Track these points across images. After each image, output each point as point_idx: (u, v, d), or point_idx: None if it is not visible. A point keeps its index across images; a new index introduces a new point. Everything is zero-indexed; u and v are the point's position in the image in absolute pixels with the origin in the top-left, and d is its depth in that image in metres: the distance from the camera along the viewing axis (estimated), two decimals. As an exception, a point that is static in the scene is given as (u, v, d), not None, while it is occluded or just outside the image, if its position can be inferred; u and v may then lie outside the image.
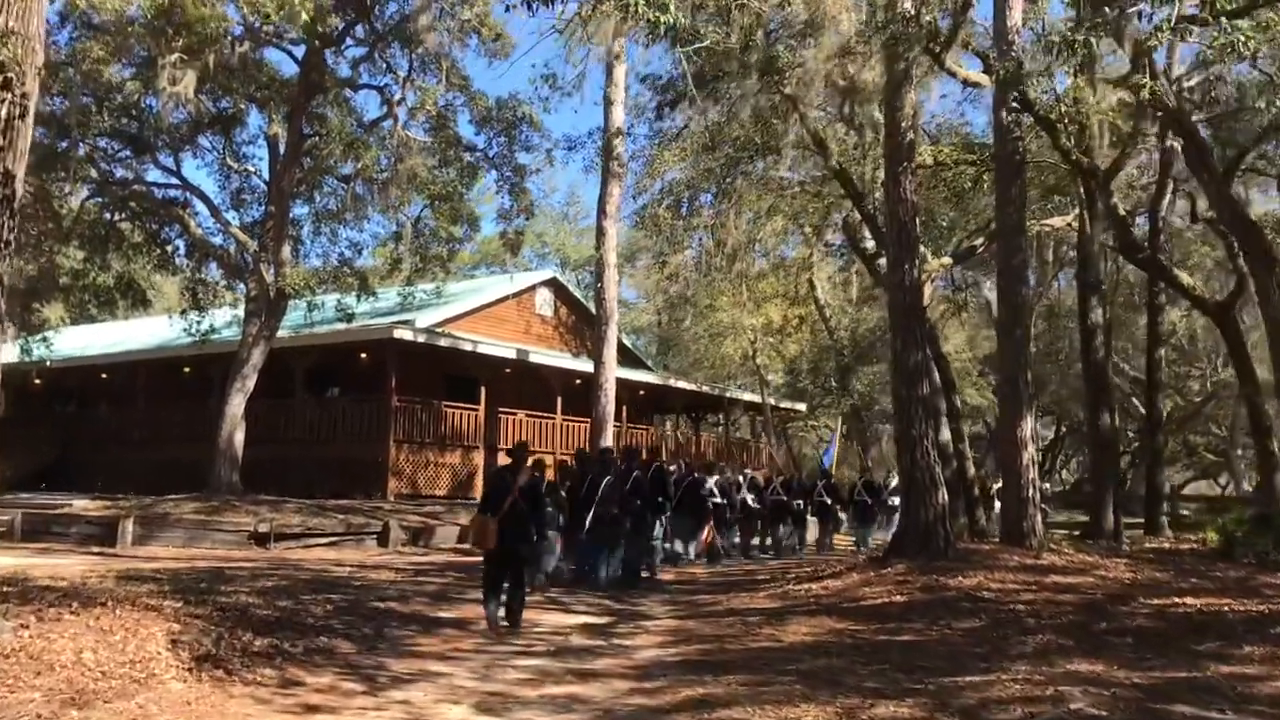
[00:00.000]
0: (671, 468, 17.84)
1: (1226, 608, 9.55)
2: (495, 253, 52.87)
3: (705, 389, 32.28)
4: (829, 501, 21.90)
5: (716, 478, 18.89)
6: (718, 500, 18.28)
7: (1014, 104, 12.92)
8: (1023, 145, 13.51)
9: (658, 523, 15.03)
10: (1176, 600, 10.08)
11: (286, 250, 21.54)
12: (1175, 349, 39.07)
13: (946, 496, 12.52)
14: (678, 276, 20.39)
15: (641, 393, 31.76)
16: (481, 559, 10.60)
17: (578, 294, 34.60)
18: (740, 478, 20.01)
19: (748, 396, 34.09)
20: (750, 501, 19.79)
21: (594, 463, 14.54)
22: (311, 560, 16.44)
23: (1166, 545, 14.85)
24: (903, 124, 12.83)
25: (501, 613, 10.13)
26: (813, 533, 23.06)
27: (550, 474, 14.00)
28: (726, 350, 30.47)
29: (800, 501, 21.22)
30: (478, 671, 8.08)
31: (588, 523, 13.30)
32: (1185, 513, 28.35)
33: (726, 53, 12.19)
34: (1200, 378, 45.06)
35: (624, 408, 28.62)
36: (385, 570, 14.34)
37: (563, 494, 13.91)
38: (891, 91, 12.40)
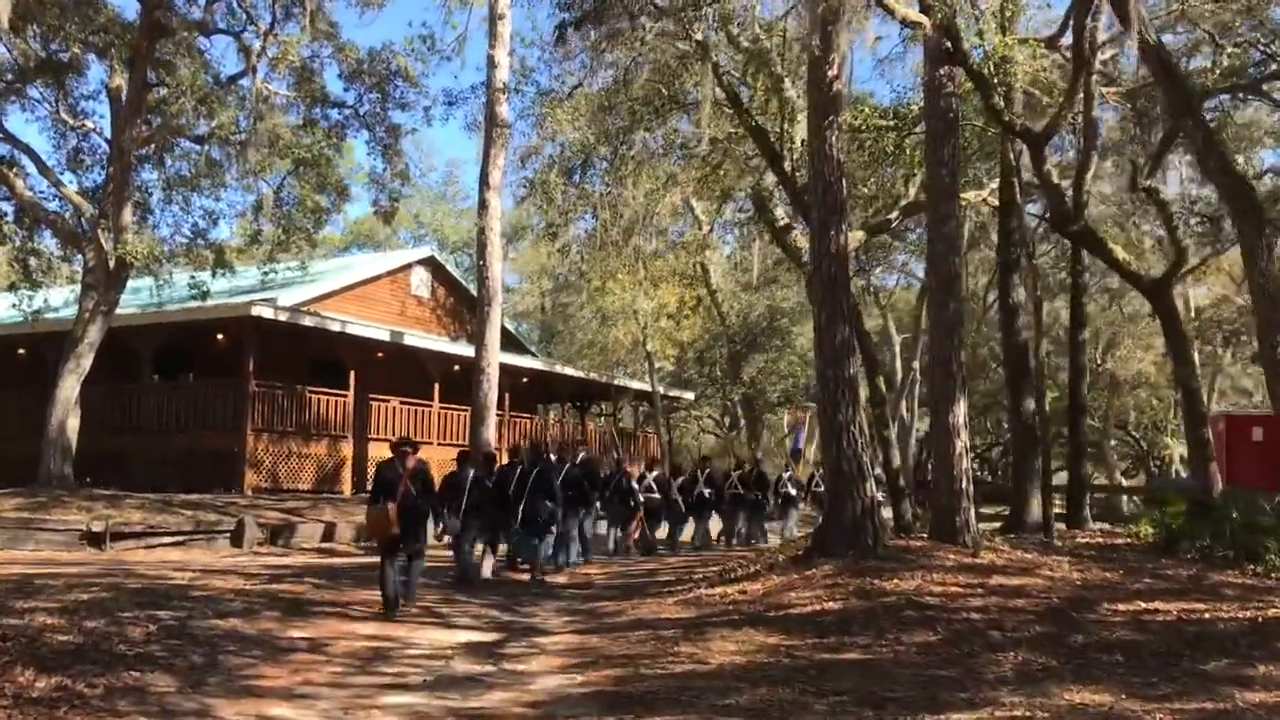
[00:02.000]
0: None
1: (1208, 615, 8.40)
2: (368, 233, 50.43)
3: (593, 376, 30.68)
4: (793, 492, 20.94)
5: (656, 473, 19.17)
6: (654, 495, 18.27)
7: (947, 48, 11.66)
8: (956, 101, 12.31)
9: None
10: (1145, 605, 8.92)
11: (129, 214, 19.14)
12: (1053, 341, 39.14)
13: (875, 488, 11.20)
14: (569, 250, 18.70)
15: (525, 380, 29.99)
16: (371, 552, 11.33)
17: (457, 275, 32.59)
18: (699, 472, 19.74)
19: (636, 385, 32.62)
20: (707, 495, 19.21)
21: (528, 456, 14.43)
22: (150, 564, 14.40)
23: (1100, 539, 13.90)
24: (830, 72, 11.45)
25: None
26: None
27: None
28: (616, 335, 28.93)
29: (759, 493, 20.38)
30: (333, 716, 6.34)
31: (519, 515, 13.26)
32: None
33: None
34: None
35: (506, 396, 26.83)
36: (234, 576, 12.38)
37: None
38: (820, 32, 10.99)
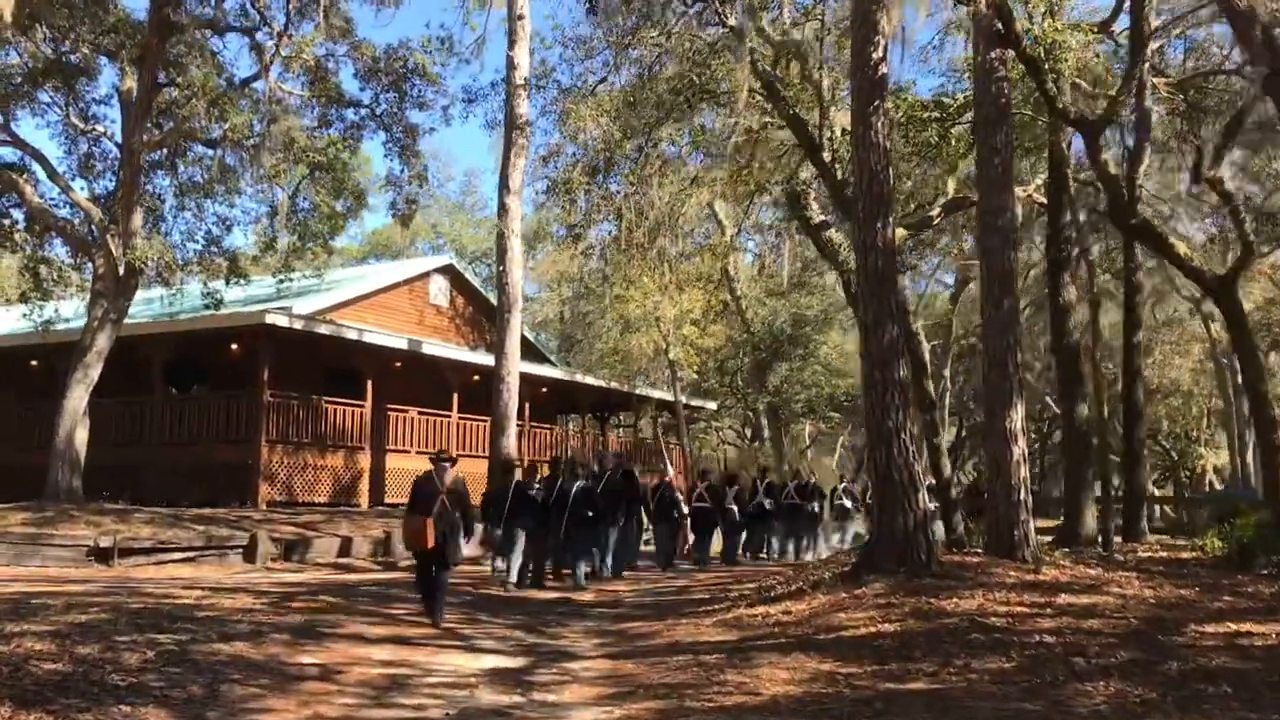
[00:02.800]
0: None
1: (1311, 638, 7.61)
2: (385, 243, 49.94)
3: (614, 386, 29.94)
4: (848, 505, 20.62)
5: (708, 483, 19.10)
6: (705, 506, 18.28)
7: (998, 29, 10.92)
8: (1008, 86, 11.56)
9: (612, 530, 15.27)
10: (1234, 627, 8.13)
11: (139, 219, 18.56)
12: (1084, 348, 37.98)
13: (928, 500, 10.43)
14: (593, 252, 18.00)
15: (545, 390, 29.32)
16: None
17: (476, 284, 31.93)
18: (757, 482, 19.92)
19: (658, 394, 31.84)
20: (767, 505, 19.34)
21: (567, 468, 15.06)
22: (158, 581, 13.75)
23: (1163, 553, 13.07)
24: (875, 54, 10.73)
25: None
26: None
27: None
28: (639, 343, 28.17)
29: (815, 505, 20.33)
30: (345, 758, 5.64)
31: (563, 525, 13.81)
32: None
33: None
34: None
35: (526, 405, 26.12)
36: (244, 594, 11.71)
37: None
38: (865, 10, 10.27)
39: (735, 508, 18.58)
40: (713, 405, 36.49)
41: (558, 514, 13.71)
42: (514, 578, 13.41)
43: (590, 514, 13.95)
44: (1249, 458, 33.80)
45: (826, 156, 13.30)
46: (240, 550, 17.26)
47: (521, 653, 8.98)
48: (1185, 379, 38.78)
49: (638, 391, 30.72)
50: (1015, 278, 11.27)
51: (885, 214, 10.63)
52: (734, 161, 15.63)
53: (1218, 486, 44.69)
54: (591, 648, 9.34)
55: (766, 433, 38.26)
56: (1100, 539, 13.73)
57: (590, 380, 30.21)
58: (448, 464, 10.48)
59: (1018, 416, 10.85)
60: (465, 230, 50.71)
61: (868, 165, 10.67)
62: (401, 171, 20.06)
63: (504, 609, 11.74)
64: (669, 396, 31.46)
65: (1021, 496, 10.75)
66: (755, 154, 15.08)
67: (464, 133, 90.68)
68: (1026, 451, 10.83)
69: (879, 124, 10.71)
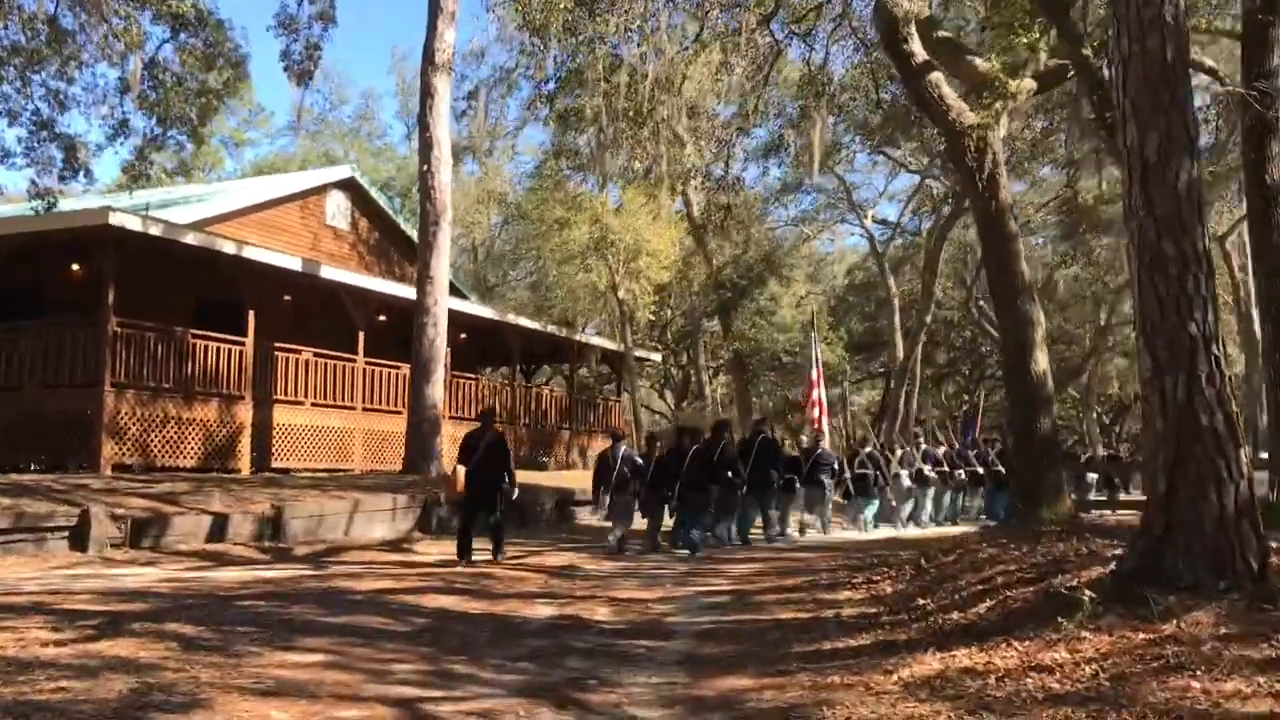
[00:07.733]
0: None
1: None
2: (279, 167, 44.02)
3: (552, 330, 25.06)
4: (1002, 470, 18.33)
5: (869, 448, 17.83)
6: (867, 473, 17.02)
7: None
8: None
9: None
10: None
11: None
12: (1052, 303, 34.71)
13: (1249, 467, 6.03)
14: (573, 120, 13.10)
15: (464, 335, 24.33)
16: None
17: (384, 205, 26.63)
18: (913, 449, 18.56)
19: (601, 342, 27.04)
20: (927, 473, 17.89)
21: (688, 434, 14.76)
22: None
23: None
24: None
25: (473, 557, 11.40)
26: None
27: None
28: (584, 279, 23.41)
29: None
30: None
31: (677, 491, 13.71)
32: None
33: None
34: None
35: (448, 351, 21.18)
36: (36, 619, 6.85)
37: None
38: None
39: (904, 473, 17.43)
40: (657, 357, 31.90)
41: (670, 481, 13.61)
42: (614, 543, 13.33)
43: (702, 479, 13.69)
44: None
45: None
46: (66, 534, 12.18)
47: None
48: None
49: (578, 338, 25.92)
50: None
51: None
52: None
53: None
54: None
55: (707, 389, 33.87)
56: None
57: (525, 323, 25.25)
58: (489, 421, 12.03)
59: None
60: (364, 159, 44.90)
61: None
62: (299, 7, 14.92)
63: (488, 646, 6.99)
64: (613, 345, 26.76)
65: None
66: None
67: (361, 48, 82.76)
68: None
69: None
